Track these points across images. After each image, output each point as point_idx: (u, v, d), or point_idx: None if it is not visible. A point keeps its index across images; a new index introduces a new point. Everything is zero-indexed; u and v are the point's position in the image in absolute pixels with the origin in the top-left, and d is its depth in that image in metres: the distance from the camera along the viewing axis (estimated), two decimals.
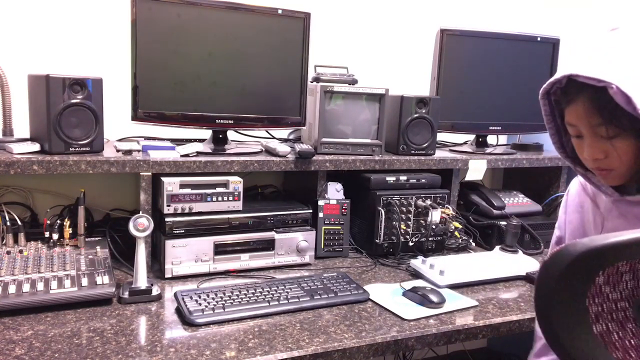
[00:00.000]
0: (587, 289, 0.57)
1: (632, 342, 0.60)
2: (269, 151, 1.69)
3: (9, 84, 1.51)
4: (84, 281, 1.26)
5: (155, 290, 1.32)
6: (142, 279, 1.32)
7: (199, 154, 1.55)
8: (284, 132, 1.96)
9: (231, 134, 1.75)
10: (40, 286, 1.22)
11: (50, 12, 1.66)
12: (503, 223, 1.81)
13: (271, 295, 1.30)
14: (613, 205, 1.00)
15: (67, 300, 1.22)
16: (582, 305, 0.57)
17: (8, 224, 1.41)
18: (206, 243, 1.49)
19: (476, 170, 1.89)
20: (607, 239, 0.56)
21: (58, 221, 1.46)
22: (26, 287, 1.21)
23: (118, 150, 1.47)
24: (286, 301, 1.29)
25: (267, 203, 1.69)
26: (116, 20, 1.70)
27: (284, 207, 1.63)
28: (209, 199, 1.49)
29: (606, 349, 0.58)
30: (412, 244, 1.72)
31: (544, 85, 0.97)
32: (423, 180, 1.77)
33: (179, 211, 1.47)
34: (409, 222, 1.71)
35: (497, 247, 1.76)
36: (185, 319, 1.19)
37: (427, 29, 2.16)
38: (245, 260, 1.54)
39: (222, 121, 1.62)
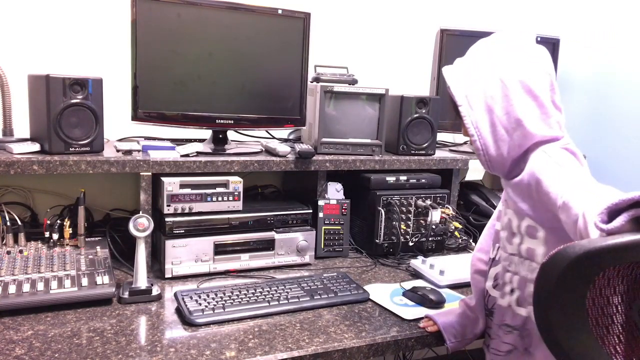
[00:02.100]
0: (586, 291, 0.57)
1: (633, 347, 0.59)
2: (269, 151, 1.69)
3: (9, 84, 1.51)
4: (84, 281, 1.26)
5: (155, 290, 1.32)
6: (142, 279, 1.32)
7: (199, 154, 1.55)
8: (284, 132, 1.96)
9: (231, 134, 1.75)
10: (40, 286, 1.22)
11: (50, 12, 1.66)
12: None
13: (271, 295, 1.30)
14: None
15: (67, 300, 1.22)
16: (581, 307, 0.57)
17: (8, 224, 1.42)
18: (206, 243, 1.49)
19: (476, 170, 1.89)
20: (605, 241, 0.55)
21: (58, 221, 1.46)
22: (26, 287, 1.21)
23: (118, 150, 1.47)
24: (286, 301, 1.29)
25: (267, 203, 1.69)
26: (116, 20, 1.70)
27: (284, 207, 1.63)
28: (209, 199, 1.49)
29: (607, 354, 0.58)
30: (412, 244, 1.72)
31: None
32: (423, 180, 1.77)
33: (179, 211, 1.47)
34: (409, 222, 1.71)
35: None
36: (185, 319, 1.19)
37: (427, 29, 2.16)
38: (245, 260, 1.54)
39: (222, 121, 1.62)
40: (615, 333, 0.59)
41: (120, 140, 1.69)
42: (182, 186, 1.47)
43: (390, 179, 1.72)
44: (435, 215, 1.69)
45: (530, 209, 0.99)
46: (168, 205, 1.45)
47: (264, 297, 1.29)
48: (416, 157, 1.79)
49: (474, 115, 1.01)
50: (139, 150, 1.50)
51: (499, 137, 1.00)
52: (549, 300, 0.56)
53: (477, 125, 1.01)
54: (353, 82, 1.77)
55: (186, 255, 1.46)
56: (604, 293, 0.58)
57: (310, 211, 1.66)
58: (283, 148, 1.63)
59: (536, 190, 0.94)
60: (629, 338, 0.59)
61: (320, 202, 1.68)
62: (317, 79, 1.76)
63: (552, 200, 0.88)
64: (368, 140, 1.75)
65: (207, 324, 1.19)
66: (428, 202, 1.71)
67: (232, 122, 1.64)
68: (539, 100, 0.98)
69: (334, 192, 1.74)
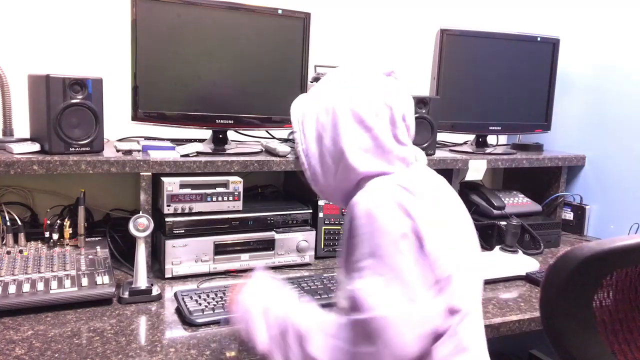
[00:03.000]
0: (594, 293, 0.56)
1: None
2: (269, 151, 1.69)
3: (9, 84, 1.51)
4: (84, 281, 1.26)
5: (155, 290, 1.32)
6: (142, 279, 1.32)
7: (199, 154, 1.55)
8: (284, 132, 1.96)
9: (231, 134, 1.75)
10: (40, 286, 1.22)
11: (50, 12, 1.66)
12: (503, 223, 1.81)
13: None
14: None
15: (67, 300, 1.22)
16: (588, 310, 0.56)
17: (8, 224, 1.41)
18: (206, 243, 1.49)
19: (476, 170, 1.89)
20: (613, 242, 0.55)
21: (58, 221, 1.46)
22: (26, 287, 1.21)
23: (118, 150, 1.47)
24: None
25: (267, 203, 1.69)
26: (116, 20, 1.70)
27: (284, 207, 1.63)
28: (209, 199, 1.49)
29: (614, 355, 0.57)
30: None
31: None
32: None
33: (179, 211, 1.47)
34: None
35: (497, 247, 1.76)
36: (185, 319, 1.19)
37: (427, 29, 2.16)
38: (245, 260, 1.54)
39: (222, 121, 1.62)
40: (623, 337, 0.58)
41: (120, 140, 1.69)
42: (182, 186, 1.47)
43: None
44: None
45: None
46: (168, 205, 1.45)
47: None
48: None
49: (305, 143, 0.98)
50: (139, 150, 1.50)
51: (327, 168, 0.96)
52: (556, 302, 0.55)
53: (307, 153, 0.98)
54: None
55: (186, 255, 1.46)
56: (611, 296, 0.57)
57: (310, 211, 1.66)
58: (283, 148, 1.63)
59: (347, 240, 0.84)
60: (638, 341, 0.58)
61: (320, 202, 1.68)
62: (317, 79, 1.76)
63: (352, 267, 0.80)
64: None
65: (207, 324, 1.19)
66: None
67: (232, 122, 1.64)
68: (373, 132, 0.91)
69: None
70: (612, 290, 0.57)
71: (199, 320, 1.18)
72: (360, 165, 0.91)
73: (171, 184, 1.45)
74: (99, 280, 1.28)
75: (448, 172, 1.86)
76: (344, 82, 0.97)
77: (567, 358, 0.56)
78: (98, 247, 1.45)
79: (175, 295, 1.29)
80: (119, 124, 1.67)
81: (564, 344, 0.56)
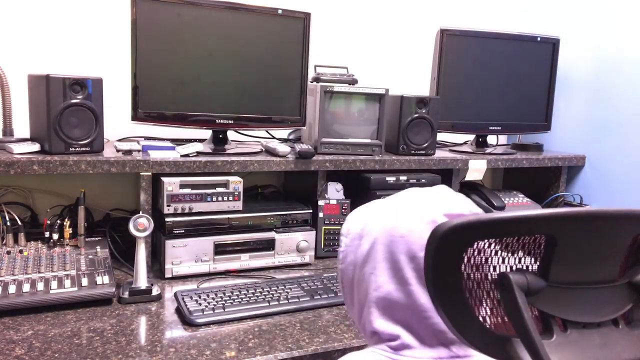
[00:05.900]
0: (459, 264, 0.59)
1: (499, 320, 0.61)
2: (269, 151, 1.69)
3: (9, 84, 1.51)
4: (84, 281, 1.26)
5: (155, 290, 1.32)
6: (142, 279, 1.32)
7: (199, 154, 1.55)
8: (284, 132, 1.96)
9: (231, 134, 1.75)
10: (40, 286, 1.22)
11: (50, 12, 1.66)
12: None
13: (271, 295, 1.30)
14: None
15: (67, 300, 1.22)
16: (457, 279, 0.60)
17: (8, 224, 1.41)
18: (206, 243, 1.49)
19: (476, 170, 1.89)
20: (477, 216, 0.59)
21: (58, 221, 1.46)
22: (26, 287, 1.21)
23: (118, 150, 1.47)
24: (286, 301, 1.29)
25: (267, 203, 1.69)
26: (116, 20, 1.70)
27: (284, 207, 1.63)
28: (209, 199, 1.50)
29: (478, 319, 0.61)
30: None
31: None
32: (423, 180, 1.77)
33: (179, 211, 1.47)
34: None
35: None
36: (185, 319, 1.19)
37: (427, 29, 2.16)
38: (245, 260, 1.54)
39: (222, 121, 1.62)
40: (485, 308, 0.62)
41: (120, 140, 1.69)
42: (182, 186, 1.47)
43: (390, 179, 1.72)
44: None
45: None
46: (168, 205, 1.45)
47: (264, 297, 1.29)
48: (416, 157, 1.79)
49: (342, 254, 0.81)
50: (139, 150, 1.50)
51: (350, 298, 0.82)
52: (429, 272, 0.59)
53: (342, 263, 0.82)
54: (353, 82, 1.77)
55: (186, 255, 1.46)
56: (473, 266, 0.60)
57: (310, 211, 1.66)
58: (283, 148, 1.63)
59: None
60: (495, 314, 0.62)
61: (320, 202, 1.68)
62: (317, 79, 1.76)
63: None
64: (368, 140, 1.75)
65: (207, 324, 1.19)
66: None
67: (232, 122, 1.64)
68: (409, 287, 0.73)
69: (334, 192, 1.74)
70: (473, 262, 0.60)
71: (199, 320, 1.18)
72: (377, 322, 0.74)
73: (171, 184, 1.45)
74: (99, 280, 1.28)
75: (448, 172, 1.86)
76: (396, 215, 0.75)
77: (445, 319, 0.59)
78: (98, 247, 1.45)
79: (175, 295, 1.29)
80: (119, 124, 1.67)
81: (438, 307, 0.59)
